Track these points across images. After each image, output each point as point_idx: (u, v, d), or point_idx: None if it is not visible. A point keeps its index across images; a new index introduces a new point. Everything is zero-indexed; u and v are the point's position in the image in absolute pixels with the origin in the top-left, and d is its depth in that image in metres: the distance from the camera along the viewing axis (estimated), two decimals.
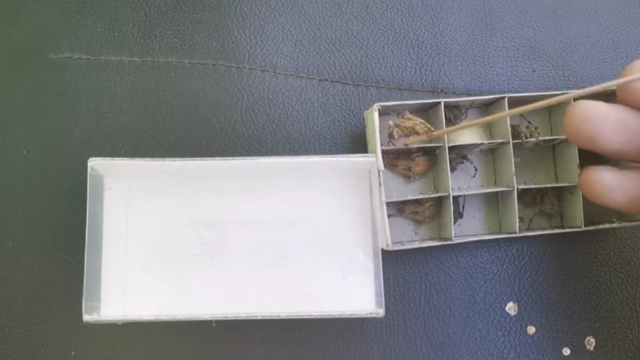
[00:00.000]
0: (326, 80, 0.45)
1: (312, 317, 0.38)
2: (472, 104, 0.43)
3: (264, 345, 0.41)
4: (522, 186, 0.41)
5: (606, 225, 0.41)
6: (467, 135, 0.43)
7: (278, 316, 0.38)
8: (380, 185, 0.39)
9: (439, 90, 0.46)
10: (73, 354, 0.42)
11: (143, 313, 0.38)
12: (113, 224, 0.40)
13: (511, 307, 0.43)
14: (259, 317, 0.38)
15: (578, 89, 0.43)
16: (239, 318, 0.38)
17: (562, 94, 0.36)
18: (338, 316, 0.38)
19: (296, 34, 0.46)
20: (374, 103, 0.45)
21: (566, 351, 0.42)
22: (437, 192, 0.42)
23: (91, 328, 0.41)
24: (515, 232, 0.41)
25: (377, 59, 0.46)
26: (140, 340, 0.41)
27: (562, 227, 0.42)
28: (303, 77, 0.45)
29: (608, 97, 0.41)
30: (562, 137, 0.42)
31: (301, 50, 0.46)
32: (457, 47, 0.47)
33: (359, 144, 0.44)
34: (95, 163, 0.40)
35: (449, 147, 0.40)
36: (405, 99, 0.46)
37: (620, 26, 0.48)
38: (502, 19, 0.48)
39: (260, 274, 0.40)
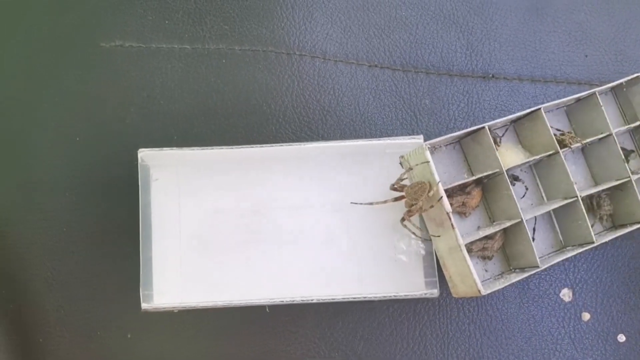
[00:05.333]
0: (376, 66, 0.49)
1: (367, 299, 0.42)
2: (510, 123, 0.44)
3: (318, 328, 0.45)
4: (585, 192, 0.43)
5: None
6: (509, 156, 0.43)
7: (333, 299, 0.41)
8: (453, 227, 0.38)
9: (490, 75, 0.49)
10: (129, 336, 0.46)
11: (199, 300, 0.42)
12: (162, 214, 0.44)
13: (566, 294, 0.46)
14: (314, 301, 0.41)
15: (630, 74, 0.46)
16: (294, 302, 0.42)
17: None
18: (393, 297, 0.42)
19: (345, 20, 0.50)
20: (424, 90, 0.49)
21: (621, 338, 0.45)
22: (493, 222, 0.43)
23: (144, 317, 0.45)
24: (593, 242, 0.41)
25: (426, 44, 0.50)
26: (195, 324, 0.45)
27: (615, 227, 0.45)
28: (353, 63, 0.49)
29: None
30: (597, 137, 0.43)
31: (350, 36, 0.50)
32: (507, 32, 0.50)
33: (409, 130, 0.48)
34: (144, 154, 0.44)
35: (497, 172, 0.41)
36: (456, 85, 0.49)
37: None
38: (552, 4, 0.51)
39: (310, 258, 0.44)
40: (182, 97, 0.48)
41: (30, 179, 0.48)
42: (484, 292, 0.38)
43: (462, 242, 0.38)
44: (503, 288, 0.46)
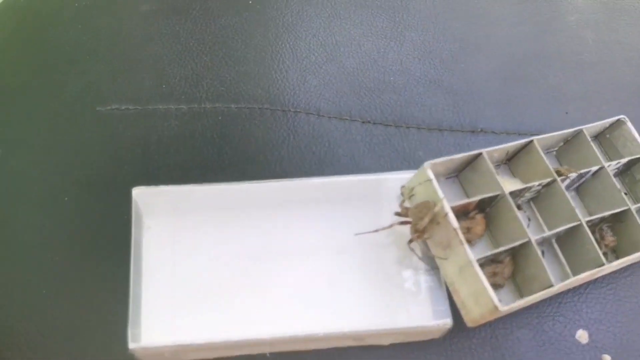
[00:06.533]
0: (369, 122, 0.51)
1: (377, 331, 0.39)
2: (507, 153, 0.46)
3: None
4: (588, 218, 0.43)
5: None
6: (507, 185, 0.43)
7: (342, 331, 0.39)
8: (462, 243, 0.37)
9: (479, 130, 0.51)
10: None
11: (194, 338, 0.39)
12: (154, 256, 0.42)
13: (581, 335, 0.44)
14: (320, 335, 0.39)
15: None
16: (297, 337, 0.39)
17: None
18: (405, 328, 0.39)
19: (336, 83, 0.53)
20: (416, 143, 0.50)
21: None
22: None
23: None
24: (602, 264, 0.41)
25: (415, 104, 0.52)
26: None
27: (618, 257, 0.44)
28: (346, 119, 0.51)
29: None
30: (591, 169, 0.45)
31: (342, 96, 0.52)
32: (490, 93, 0.53)
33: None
34: (138, 191, 0.43)
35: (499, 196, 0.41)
36: (446, 139, 0.51)
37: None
38: (527, 72, 0.55)
39: (311, 303, 0.42)
40: (177, 151, 0.49)
41: (13, 239, 0.46)
42: (501, 307, 0.36)
43: (473, 256, 0.37)
44: (516, 331, 0.44)
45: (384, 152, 0.50)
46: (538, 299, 0.39)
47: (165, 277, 0.42)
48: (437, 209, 0.38)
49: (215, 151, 0.49)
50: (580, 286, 0.45)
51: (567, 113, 0.53)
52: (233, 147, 0.49)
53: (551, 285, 0.39)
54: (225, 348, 0.40)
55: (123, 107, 0.51)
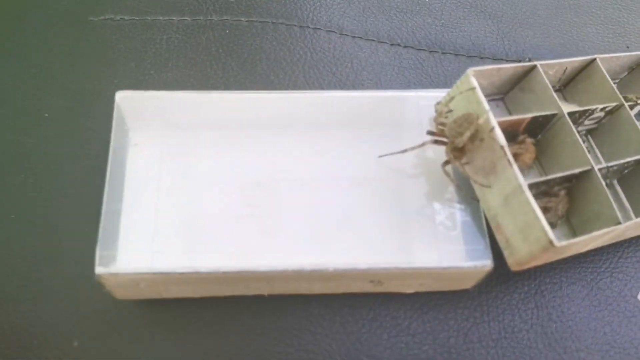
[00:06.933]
0: (398, 45, 0.44)
1: (400, 270, 0.32)
2: (565, 71, 0.39)
3: (332, 326, 0.34)
4: None
5: None
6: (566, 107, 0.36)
7: (356, 268, 0.32)
8: (510, 163, 0.30)
9: (526, 59, 0.44)
10: (76, 344, 0.34)
11: (176, 267, 0.32)
12: (141, 176, 0.35)
13: None
14: (330, 270, 0.32)
15: None
16: (302, 271, 0.32)
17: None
18: (434, 269, 0.32)
19: (363, 1, 0.46)
20: (453, 70, 0.43)
21: None
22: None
23: (98, 312, 0.35)
24: None
25: (452, 28, 0.45)
26: (165, 324, 0.35)
27: None
28: (373, 40, 0.44)
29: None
30: None
31: (369, 15, 0.45)
32: (540, 21, 0.46)
33: None
34: (123, 95, 0.36)
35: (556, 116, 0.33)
36: None
37: None
38: (583, 1, 0.47)
39: (322, 237, 0.34)
40: (177, 66, 0.42)
41: None
42: (557, 242, 0.29)
43: (523, 180, 0.30)
44: (565, 287, 0.36)
45: (414, 77, 0.43)
46: (600, 242, 0.32)
47: (151, 197, 0.35)
48: (481, 121, 0.31)
49: (219, 67, 0.42)
50: None
51: (628, 47, 0.46)
52: (240, 63, 0.42)
53: (619, 223, 0.31)
54: (214, 282, 0.33)
55: (118, 18, 0.44)
